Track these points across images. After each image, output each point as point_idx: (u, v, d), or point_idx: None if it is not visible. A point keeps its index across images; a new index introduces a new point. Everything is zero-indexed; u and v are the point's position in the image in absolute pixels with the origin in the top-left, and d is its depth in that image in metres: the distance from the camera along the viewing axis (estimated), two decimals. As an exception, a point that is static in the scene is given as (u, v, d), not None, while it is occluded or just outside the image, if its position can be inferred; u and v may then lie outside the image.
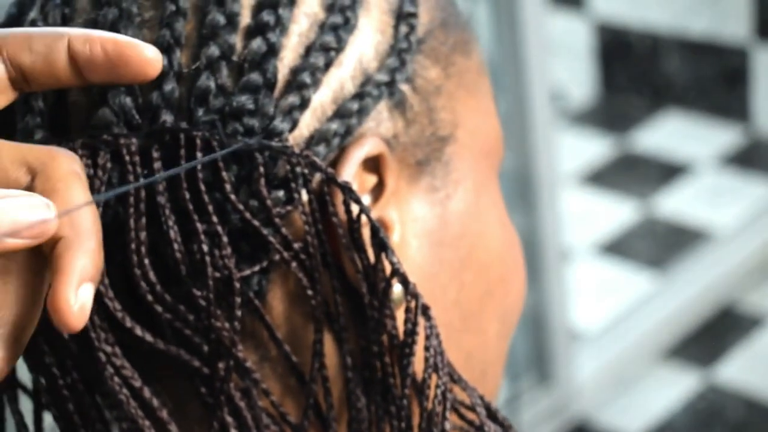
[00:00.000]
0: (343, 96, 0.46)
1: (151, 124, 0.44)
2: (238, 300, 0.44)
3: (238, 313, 0.44)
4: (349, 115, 0.46)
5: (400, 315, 0.47)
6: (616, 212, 2.94)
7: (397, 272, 0.45)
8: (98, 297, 0.43)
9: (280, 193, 0.45)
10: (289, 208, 0.45)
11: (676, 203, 2.94)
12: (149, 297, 0.44)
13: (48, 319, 0.43)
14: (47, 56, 0.40)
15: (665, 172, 3.08)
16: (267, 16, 0.45)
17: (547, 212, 2.16)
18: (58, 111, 0.45)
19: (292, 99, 0.45)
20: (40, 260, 0.39)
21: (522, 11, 2.00)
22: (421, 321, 0.45)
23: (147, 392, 0.44)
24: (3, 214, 0.36)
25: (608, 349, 2.40)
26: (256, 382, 0.46)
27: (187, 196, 0.43)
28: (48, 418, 0.49)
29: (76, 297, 0.37)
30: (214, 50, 0.44)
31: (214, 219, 0.44)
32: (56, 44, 0.40)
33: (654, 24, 3.28)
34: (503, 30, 2.03)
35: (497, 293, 0.53)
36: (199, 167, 0.43)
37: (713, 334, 2.48)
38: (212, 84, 0.44)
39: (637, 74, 3.40)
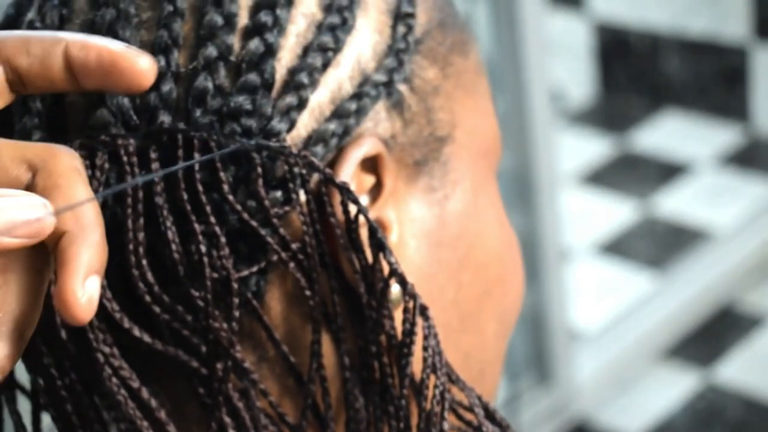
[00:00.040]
0: (341, 96, 0.46)
1: (149, 124, 0.44)
2: (236, 300, 0.44)
3: (236, 313, 0.44)
4: (347, 115, 0.46)
5: (398, 315, 0.47)
6: (616, 212, 2.94)
7: (395, 272, 0.45)
8: None
9: (278, 194, 0.45)
10: (287, 208, 0.45)
11: (676, 203, 2.94)
12: (147, 297, 0.44)
13: (46, 319, 0.43)
14: (44, 60, 0.40)
15: (665, 171, 3.08)
16: (265, 17, 0.45)
17: (547, 212, 2.16)
18: (55, 112, 0.45)
19: (290, 99, 0.45)
20: (41, 258, 0.39)
21: (521, 11, 2.00)
22: (420, 321, 0.45)
23: (145, 393, 0.43)
24: (0, 213, 0.36)
25: (608, 349, 2.40)
26: (255, 383, 0.46)
27: (185, 196, 0.43)
28: (46, 419, 0.49)
29: (84, 289, 0.37)
30: (211, 51, 0.44)
31: (212, 219, 0.44)
32: (53, 48, 0.40)
33: (653, 24, 3.28)
34: (502, 30, 2.03)
35: (495, 293, 0.53)
36: (196, 168, 0.43)
37: (713, 334, 2.48)
38: (210, 84, 0.44)
39: (637, 74, 3.40)
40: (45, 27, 0.46)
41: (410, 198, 0.49)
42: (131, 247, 0.43)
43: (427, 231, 0.50)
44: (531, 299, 2.20)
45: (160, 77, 0.44)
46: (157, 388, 0.45)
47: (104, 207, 0.44)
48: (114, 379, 0.43)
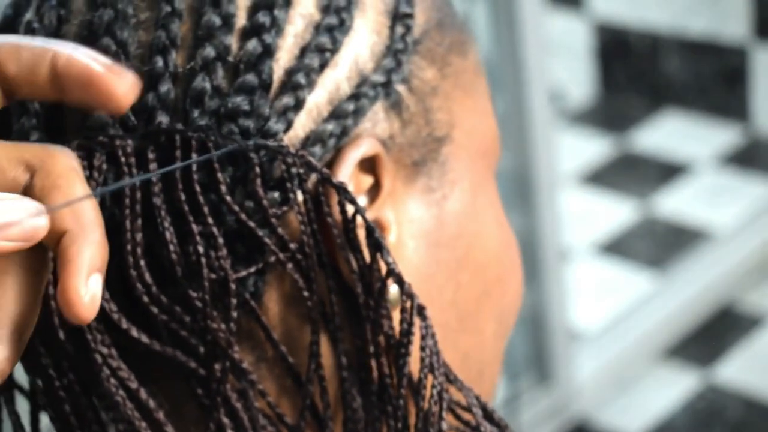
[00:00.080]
0: (339, 97, 0.46)
1: (147, 125, 0.44)
2: (234, 301, 0.44)
3: (234, 314, 0.44)
4: (344, 115, 0.46)
5: (396, 315, 0.47)
6: (616, 212, 2.94)
7: (392, 272, 0.45)
8: None
9: (276, 194, 0.45)
10: (284, 208, 0.45)
11: (676, 203, 2.94)
12: (145, 298, 0.44)
13: (45, 320, 0.43)
14: (32, 68, 0.40)
15: (664, 171, 3.08)
16: (263, 18, 0.45)
17: (547, 212, 2.16)
18: (53, 112, 0.45)
19: (287, 100, 0.45)
20: (38, 259, 0.39)
21: (520, 11, 2.00)
22: (417, 321, 0.45)
23: (143, 394, 0.43)
24: None
25: (608, 348, 2.40)
26: (253, 383, 0.46)
27: (183, 197, 0.43)
28: (45, 419, 0.49)
29: (86, 288, 0.37)
30: (209, 51, 0.44)
31: (210, 220, 0.44)
32: (42, 57, 0.40)
33: (653, 24, 3.28)
34: (502, 30, 2.03)
35: (494, 293, 0.53)
36: (194, 168, 0.43)
37: (713, 334, 2.48)
38: (208, 85, 0.44)
39: (637, 74, 3.40)
40: (43, 28, 0.46)
41: (409, 198, 0.49)
42: (129, 247, 0.43)
43: (426, 231, 0.50)
44: (531, 299, 2.20)
45: (158, 78, 0.44)
46: (155, 389, 0.45)
47: (102, 208, 0.44)
48: (112, 380, 0.43)
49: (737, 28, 3.11)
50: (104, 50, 0.44)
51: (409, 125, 0.49)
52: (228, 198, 0.44)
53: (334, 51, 0.46)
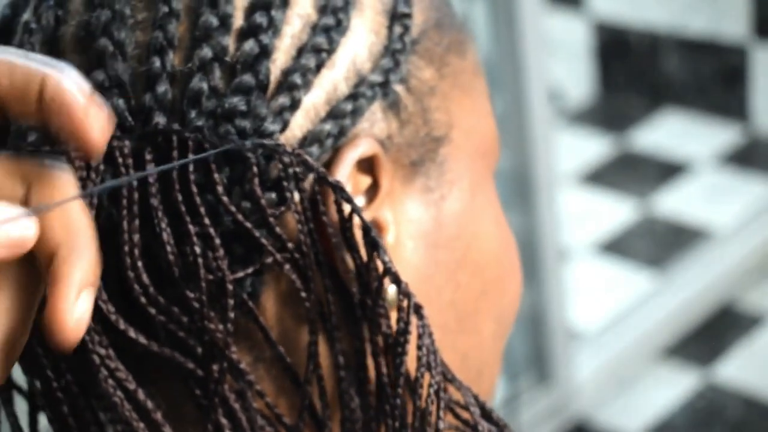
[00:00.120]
0: (337, 97, 0.46)
1: (144, 126, 0.44)
2: (231, 302, 0.44)
3: (232, 315, 0.44)
4: (342, 116, 0.46)
5: (394, 315, 0.47)
6: (615, 211, 2.94)
7: (388, 271, 0.45)
8: None
9: (273, 195, 0.45)
10: (282, 208, 0.45)
11: (675, 202, 2.94)
12: (143, 299, 0.44)
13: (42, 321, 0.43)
14: (23, 88, 0.39)
15: (664, 171, 3.08)
16: (260, 18, 0.45)
17: (546, 212, 2.16)
18: None
19: (283, 100, 0.45)
20: (31, 274, 0.39)
21: (519, 10, 2.00)
22: (414, 320, 0.45)
23: (141, 394, 0.43)
24: None
25: (607, 348, 2.40)
26: (251, 384, 0.46)
27: (180, 198, 0.43)
28: (43, 420, 0.49)
29: (74, 310, 0.37)
30: (207, 52, 0.44)
31: (206, 221, 0.44)
32: (34, 77, 0.39)
33: (652, 23, 3.28)
34: (501, 29, 2.03)
35: (493, 294, 0.53)
36: (191, 169, 0.43)
37: (712, 333, 2.48)
38: (205, 86, 0.44)
39: (636, 73, 3.40)
40: (40, 28, 0.46)
41: (407, 199, 0.49)
42: (126, 248, 0.43)
43: (424, 232, 0.50)
44: (530, 299, 2.20)
45: (156, 78, 0.44)
46: (153, 390, 0.45)
47: (99, 208, 0.44)
48: (110, 381, 0.43)
49: (737, 28, 3.11)
50: (102, 50, 0.44)
51: (407, 125, 0.49)
52: (225, 198, 0.44)
53: (330, 51, 0.46)
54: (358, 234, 0.46)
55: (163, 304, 0.44)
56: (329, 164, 0.46)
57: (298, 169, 0.45)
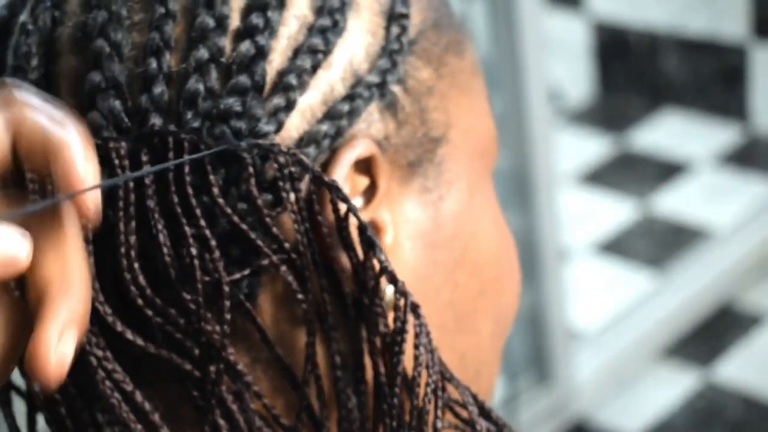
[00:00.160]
0: (333, 98, 0.46)
1: (141, 127, 0.44)
2: (227, 304, 0.44)
3: (228, 317, 0.44)
4: (339, 116, 0.46)
5: (392, 315, 0.47)
6: (615, 211, 2.94)
7: (385, 270, 0.45)
8: None
9: (269, 196, 0.45)
10: (278, 209, 0.45)
11: (675, 202, 2.94)
12: (139, 301, 0.44)
13: None
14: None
15: (663, 171, 3.08)
16: (256, 19, 0.45)
17: (545, 211, 2.16)
18: None
19: (278, 101, 0.45)
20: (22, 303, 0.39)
21: (519, 10, 2.00)
22: (411, 319, 0.45)
23: (139, 396, 0.43)
24: None
25: (607, 348, 2.40)
26: (248, 385, 0.46)
27: (176, 199, 0.43)
28: (41, 421, 0.49)
29: (57, 347, 0.36)
30: (203, 53, 0.44)
31: (202, 223, 0.43)
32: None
33: (652, 23, 3.28)
34: (500, 29, 2.03)
35: (491, 294, 0.53)
36: (186, 170, 0.43)
37: (712, 333, 2.48)
38: (201, 87, 0.44)
39: (635, 73, 3.40)
40: (37, 29, 0.46)
41: (405, 199, 0.49)
42: (123, 250, 0.43)
43: (422, 232, 0.50)
44: (530, 299, 2.20)
45: (152, 79, 0.44)
46: (150, 392, 0.45)
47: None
48: (107, 383, 0.43)
49: (736, 27, 3.11)
50: (98, 52, 0.44)
51: (404, 126, 0.49)
52: (220, 200, 0.44)
53: (326, 52, 0.46)
54: (355, 233, 0.46)
55: (160, 305, 0.44)
56: (326, 165, 0.46)
57: (293, 169, 0.45)
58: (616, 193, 3.01)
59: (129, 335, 0.44)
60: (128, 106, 0.44)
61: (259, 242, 0.44)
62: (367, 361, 0.47)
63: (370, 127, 0.47)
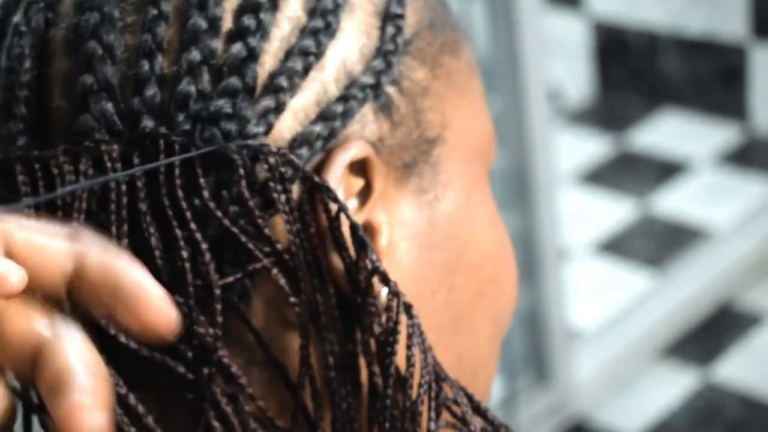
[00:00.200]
0: (327, 99, 0.46)
1: (133, 129, 0.44)
2: (219, 307, 0.44)
3: (220, 320, 0.44)
4: (332, 117, 0.46)
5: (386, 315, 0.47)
6: (614, 211, 2.94)
7: (376, 270, 0.45)
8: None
9: (260, 198, 0.45)
10: (270, 211, 0.45)
11: (674, 202, 2.94)
12: None
13: None
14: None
15: (663, 170, 3.08)
16: (248, 21, 0.44)
17: (545, 211, 2.16)
18: (40, 117, 0.45)
19: (267, 103, 0.45)
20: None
21: (518, 10, 2.00)
22: (404, 319, 0.45)
23: (132, 399, 0.43)
24: None
25: (606, 347, 2.40)
26: (242, 387, 0.46)
27: (167, 202, 0.43)
28: (38, 422, 0.48)
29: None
30: (195, 55, 0.44)
31: (193, 226, 0.43)
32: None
33: (651, 22, 3.28)
34: (499, 29, 2.03)
35: (488, 294, 0.53)
36: (177, 174, 0.43)
37: (711, 333, 2.48)
38: (193, 89, 0.44)
39: (635, 73, 3.40)
40: (30, 31, 0.46)
41: (400, 200, 0.49)
42: None
43: (418, 233, 0.49)
44: (529, 298, 2.20)
45: (144, 81, 0.44)
46: (144, 394, 0.45)
47: (88, 213, 0.44)
48: (101, 385, 0.43)
49: (735, 27, 3.11)
50: (90, 54, 0.44)
51: (399, 127, 0.48)
52: (211, 204, 0.43)
53: (318, 54, 0.46)
54: (347, 233, 0.45)
55: (153, 308, 0.44)
56: (321, 167, 0.46)
57: (284, 170, 0.44)
58: (616, 193, 3.01)
59: (122, 338, 0.44)
60: (120, 109, 0.44)
61: (251, 245, 0.44)
62: (362, 362, 0.47)
63: (365, 128, 0.47)
